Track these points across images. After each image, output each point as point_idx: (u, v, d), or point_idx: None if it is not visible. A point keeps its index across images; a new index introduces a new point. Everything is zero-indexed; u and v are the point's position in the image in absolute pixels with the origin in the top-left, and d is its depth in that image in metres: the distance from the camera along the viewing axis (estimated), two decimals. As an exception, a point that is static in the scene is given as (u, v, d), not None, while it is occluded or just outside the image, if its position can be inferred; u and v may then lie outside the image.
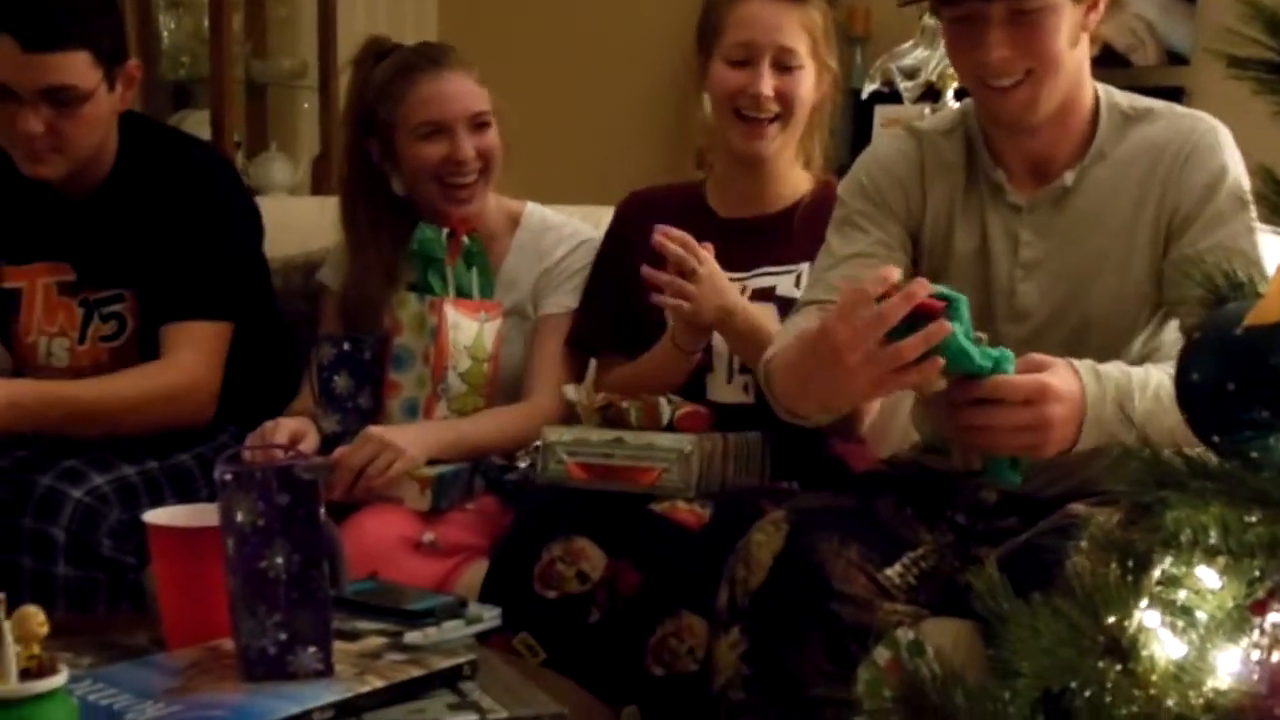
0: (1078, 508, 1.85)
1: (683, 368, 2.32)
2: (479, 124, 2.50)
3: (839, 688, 1.75)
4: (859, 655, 1.77)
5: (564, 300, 2.55)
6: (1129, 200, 1.99)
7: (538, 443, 2.23)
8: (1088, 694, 1.11)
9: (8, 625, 1.34)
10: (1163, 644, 1.12)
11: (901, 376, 1.69)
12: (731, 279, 2.35)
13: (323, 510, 1.56)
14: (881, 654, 1.76)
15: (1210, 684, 1.10)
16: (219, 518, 1.57)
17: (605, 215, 2.80)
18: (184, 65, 4.35)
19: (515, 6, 4.50)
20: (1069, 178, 2.01)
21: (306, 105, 4.48)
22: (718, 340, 2.33)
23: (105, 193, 2.48)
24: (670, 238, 2.22)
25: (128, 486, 2.32)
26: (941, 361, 1.67)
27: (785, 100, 2.34)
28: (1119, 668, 1.10)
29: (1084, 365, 1.78)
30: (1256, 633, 1.09)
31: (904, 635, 1.80)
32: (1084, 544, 1.60)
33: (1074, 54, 1.95)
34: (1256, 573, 1.11)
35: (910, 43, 3.22)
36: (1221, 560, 1.12)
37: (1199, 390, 1.18)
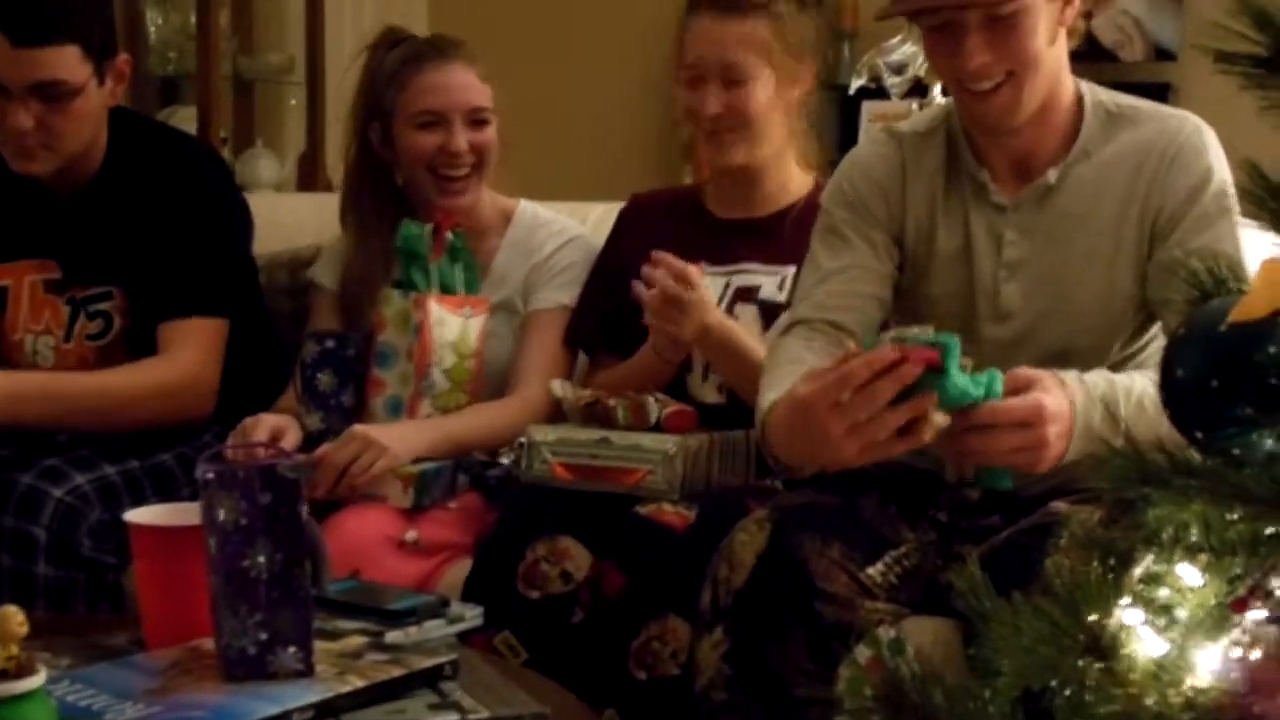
0: (1060, 506, 1.85)
1: (666, 373, 2.34)
2: (476, 119, 2.52)
3: (821, 687, 1.75)
4: (841, 654, 1.77)
5: (553, 296, 2.55)
6: (1113, 200, 1.99)
7: (521, 439, 2.23)
8: (1068, 692, 1.11)
9: (-14, 626, 1.33)
10: (1143, 642, 1.12)
11: (890, 446, 1.70)
12: (717, 273, 2.36)
13: (305, 509, 1.55)
14: (863, 653, 1.76)
15: (1190, 682, 1.10)
16: (200, 517, 1.56)
17: (594, 212, 2.81)
18: (171, 61, 4.34)
19: (504, 3, 4.50)
20: (1052, 176, 2.01)
21: (293, 101, 4.47)
22: None
23: (94, 189, 2.47)
24: (663, 265, 2.20)
25: (109, 486, 2.31)
26: (928, 437, 1.69)
27: (736, 114, 2.35)
28: (1099, 666, 1.10)
29: (1071, 377, 1.78)
30: (1237, 631, 1.09)
31: (885, 634, 1.80)
32: (1064, 542, 1.60)
33: (1052, 51, 1.94)
34: (1237, 570, 1.11)
35: (898, 38, 3.22)
36: (1203, 558, 1.12)
37: (1182, 387, 1.18)
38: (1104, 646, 1.11)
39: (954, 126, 2.09)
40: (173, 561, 1.66)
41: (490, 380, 2.49)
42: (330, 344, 2.41)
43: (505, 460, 2.33)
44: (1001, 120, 1.96)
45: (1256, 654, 1.08)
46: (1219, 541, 1.11)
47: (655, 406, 2.20)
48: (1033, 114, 1.96)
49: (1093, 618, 1.11)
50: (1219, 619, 1.11)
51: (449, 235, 2.44)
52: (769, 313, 2.33)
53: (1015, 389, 1.74)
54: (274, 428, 2.32)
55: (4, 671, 1.34)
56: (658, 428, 2.18)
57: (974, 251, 2.04)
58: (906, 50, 3.20)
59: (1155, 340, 2.02)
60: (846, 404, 1.66)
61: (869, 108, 3.87)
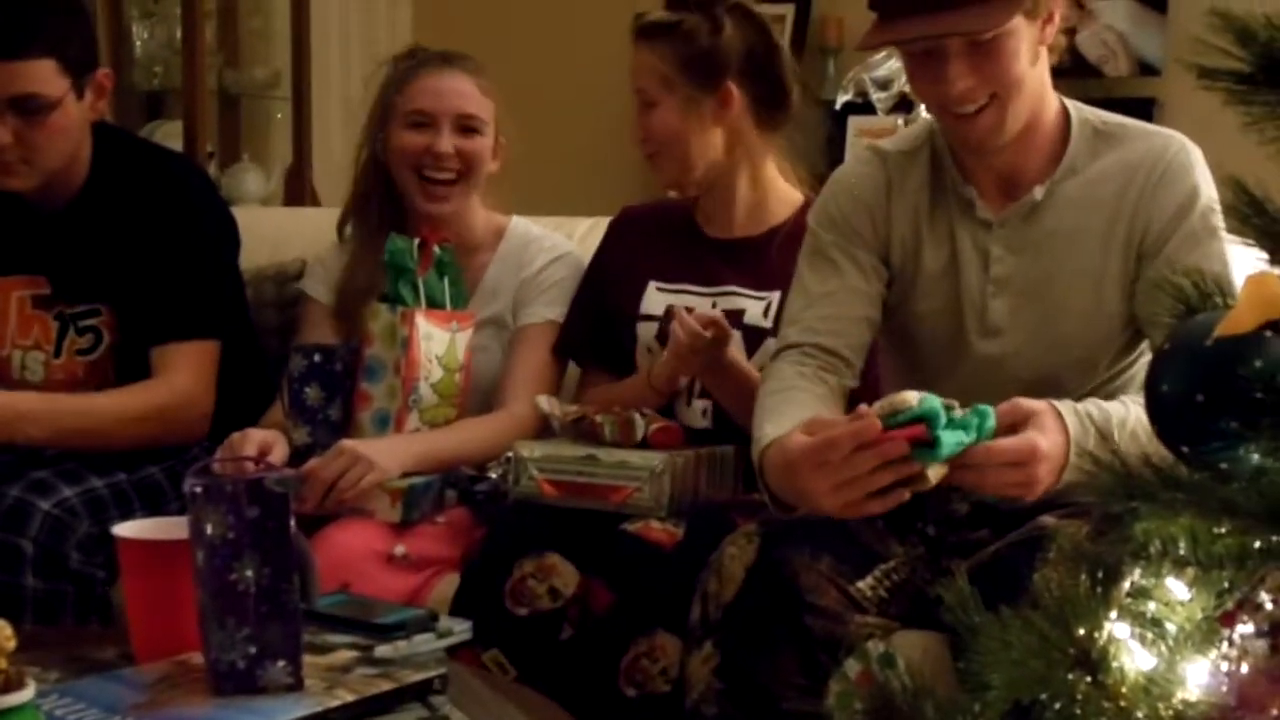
0: (1048, 520, 1.86)
1: (656, 404, 2.34)
2: (466, 126, 2.54)
3: (811, 701, 1.75)
4: (831, 668, 1.77)
5: (542, 311, 2.56)
6: (1100, 217, 1.99)
7: (509, 454, 2.23)
8: (1058, 706, 1.10)
9: (-26, 640, 1.33)
10: (1132, 656, 1.12)
11: (872, 505, 1.73)
12: (703, 294, 2.37)
13: (293, 523, 1.55)
14: (852, 666, 1.76)
15: (1180, 696, 1.10)
16: (188, 530, 1.56)
17: (582, 226, 2.82)
18: (157, 75, 4.34)
19: (490, 20, 4.50)
20: (1039, 193, 2.01)
21: (279, 116, 4.47)
22: None
23: (80, 205, 2.47)
24: (697, 324, 2.21)
25: (96, 499, 2.31)
26: (907, 497, 1.73)
27: (649, 139, 2.41)
28: (1089, 680, 1.10)
29: (1066, 408, 1.79)
30: (1225, 644, 1.09)
31: (875, 648, 1.80)
32: (1053, 556, 1.61)
33: (1035, 71, 1.95)
34: (1225, 584, 1.11)
35: (883, 54, 3.23)
36: (1191, 572, 1.12)
37: (1169, 401, 1.18)
38: (1093, 660, 1.11)
39: (938, 143, 2.09)
40: (161, 575, 1.65)
41: (478, 395, 2.49)
42: (317, 358, 2.41)
43: (493, 474, 2.33)
44: (986, 140, 1.97)
45: (1245, 668, 1.08)
46: (1207, 555, 1.11)
47: (642, 423, 2.20)
48: (1017, 132, 1.97)
49: (1082, 632, 1.12)
50: (1207, 633, 1.11)
51: (436, 250, 2.44)
52: (752, 338, 2.34)
53: (1013, 423, 1.76)
54: (262, 442, 2.31)
55: (-8, 686, 1.34)
56: (644, 444, 2.18)
57: (961, 268, 2.05)
58: (891, 66, 3.22)
59: (1144, 356, 2.03)
60: (828, 466, 1.70)
61: (855, 122, 3.89)
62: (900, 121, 3.29)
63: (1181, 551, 1.12)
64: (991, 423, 1.73)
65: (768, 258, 2.39)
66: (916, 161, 2.10)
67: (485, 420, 2.45)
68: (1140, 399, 1.76)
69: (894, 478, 1.69)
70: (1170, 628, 1.13)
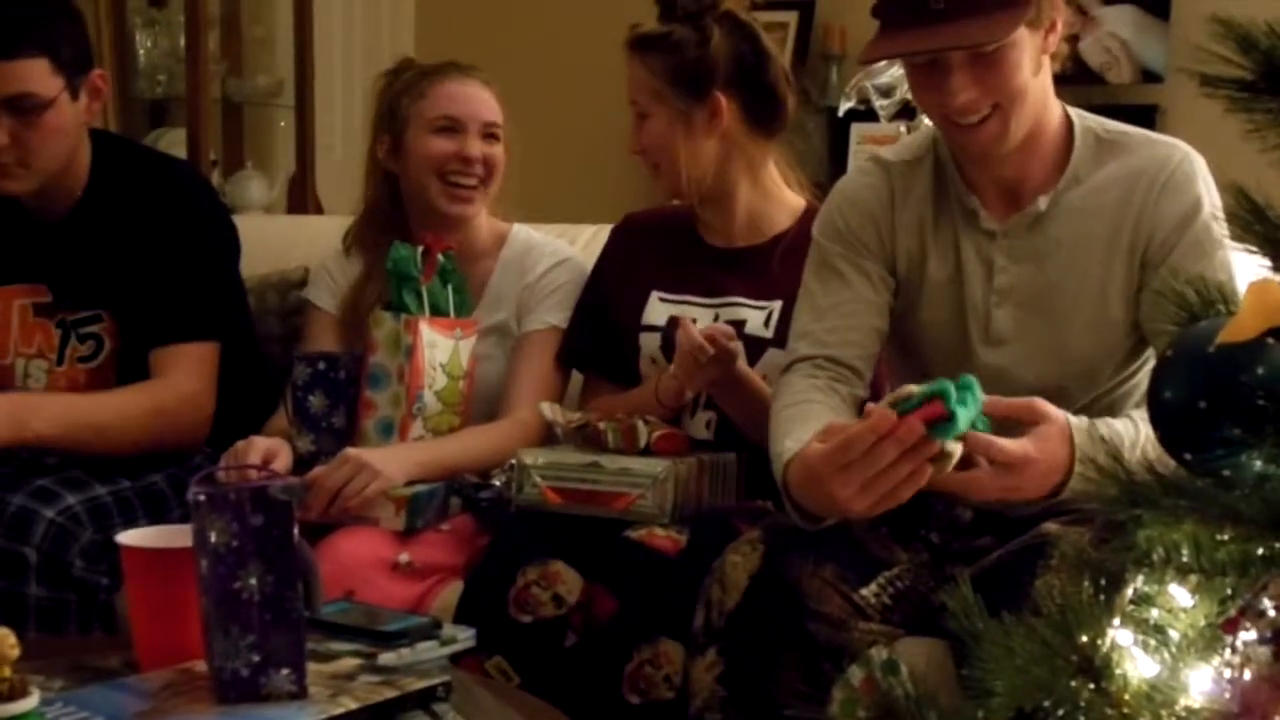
0: (1051, 526, 1.86)
1: (663, 415, 2.33)
2: (489, 134, 2.58)
3: (814, 708, 1.75)
4: (834, 675, 1.77)
5: (545, 317, 2.56)
6: (1104, 227, 1.99)
7: (512, 461, 2.23)
8: (1061, 713, 1.11)
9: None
10: (1135, 663, 1.12)
11: (900, 495, 1.72)
12: (706, 305, 2.37)
13: (297, 531, 1.55)
14: (856, 674, 1.75)
15: (1183, 702, 1.10)
16: (192, 538, 1.56)
17: (584, 234, 2.82)
18: (160, 84, 4.35)
19: (492, 28, 4.51)
20: (1043, 203, 2.01)
21: (283, 124, 4.48)
22: None
23: (80, 213, 2.47)
24: (699, 338, 2.19)
25: (100, 507, 2.31)
26: (933, 476, 1.71)
27: (645, 149, 2.42)
28: (1092, 686, 1.10)
29: (1078, 424, 1.80)
30: (1228, 651, 1.09)
31: (878, 654, 1.80)
32: (1056, 562, 1.61)
33: (1037, 80, 1.95)
34: (1228, 591, 1.11)
35: (886, 60, 3.23)
36: (1193, 578, 1.12)
37: (1171, 408, 1.18)
38: (1096, 667, 1.11)
39: (941, 152, 2.09)
40: (165, 583, 1.65)
41: (482, 402, 2.49)
42: (321, 365, 2.41)
43: (497, 482, 2.33)
44: (989, 150, 1.97)
45: (1248, 674, 1.08)
46: (1209, 562, 1.11)
47: (645, 430, 2.20)
48: (1020, 141, 1.97)
49: (1085, 638, 1.12)
50: (1210, 639, 1.11)
51: (440, 257, 2.44)
52: (754, 348, 2.33)
53: (1021, 420, 1.77)
54: (266, 450, 2.31)
55: (-3, 694, 1.34)
56: (647, 451, 2.18)
57: (965, 278, 2.05)
58: (894, 73, 3.22)
59: (1147, 365, 2.03)
60: (850, 467, 1.69)
61: (858, 129, 3.90)
62: (903, 128, 3.29)
63: (1184, 558, 1.12)
64: (979, 392, 1.73)
65: (770, 267, 2.39)
66: (919, 171, 2.10)
67: (489, 428, 2.45)
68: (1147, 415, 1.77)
69: (916, 463, 1.68)
70: (1173, 634, 1.13)
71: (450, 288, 2.45)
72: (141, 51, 4.33)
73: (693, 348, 2.17)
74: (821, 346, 2.05)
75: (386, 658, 1.64)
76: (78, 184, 2.47)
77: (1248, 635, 1.09)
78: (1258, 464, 1.11)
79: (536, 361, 2.53)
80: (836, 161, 4.00)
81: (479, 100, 2.58)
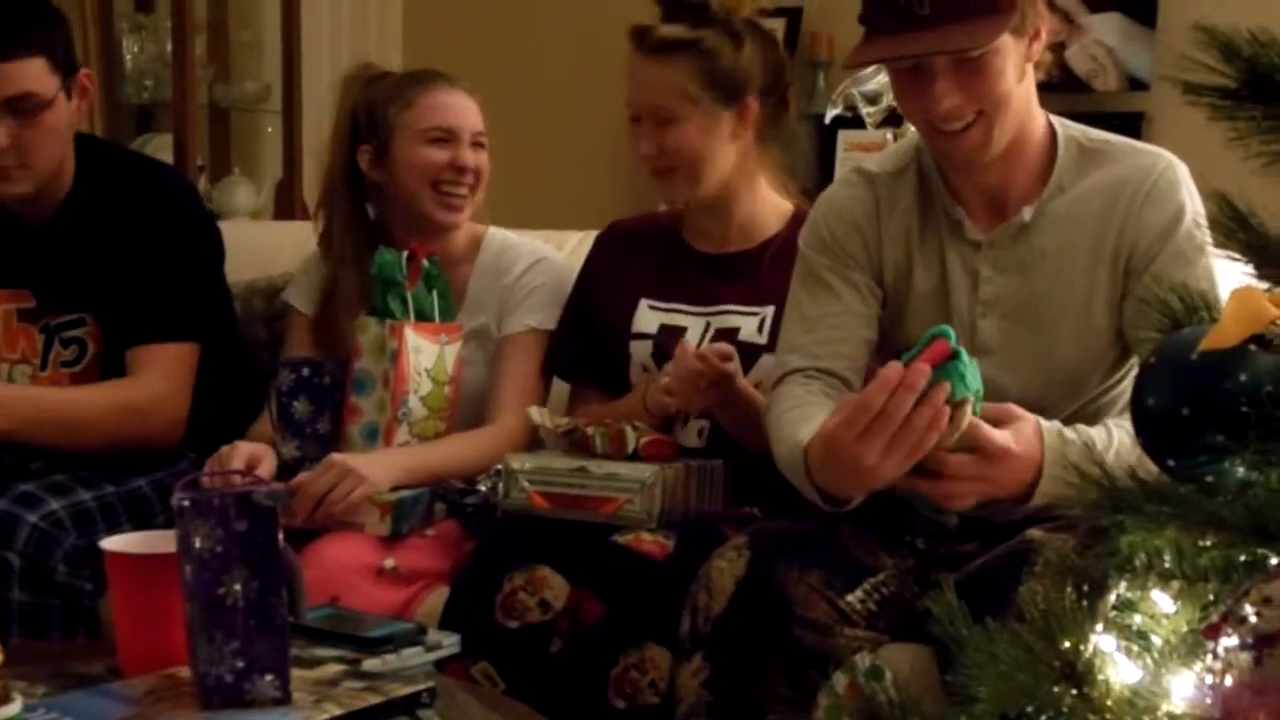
0: (1035, 533, 1.86)
1: (652, 424, 2.31)
2: (477, 142, 2.58)
3: (799, 714, 1.75)
4: (819, 681, 1.77)
5: (524, 319, 2.56)
6: (1088, 236, 2.00)
7: (498, 466, 2.23)
8: (1044, 718, 1.11)
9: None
10: (1118, 668, 1.13)
11: (921, 449, 1.73)
12: (697, 314, 2.37)
13: (281, 536, 1.55)
14: (841, 680, 1.76)
15: (1165, 708, 1.11)
16: (176, 544, 1.56)
17: (567, 240, 2.82)
18: (147, 89, 4.35)
19: (480, 33, 4.51)
20: (1027, 213, 2.01)
21: (270, 129, 4.48)
22: None
23: (63, 217, 2.47)
24: (696, 364, 2.18)
25: (84, 512, 2.31)
26: (955, 420, 1.73)
27: (668, 154, 2.36)
28: (1075, 692, 1.11)
29: (1049, 426, 1.82)
30: (1210, 657, 1.09)
31: (862, 661, 1.81)
32: (1039, 569, 1.61)
33: (1021, 88, 1.95)
34: (1210, 597, 1.12)
35: (872, 68, 3.23)
36: (1176, 584, 1.13)
37: (1154, 415, 1.19)
38: (1079, 673, 1.11)
39: (925, 162, 2.10)
40: (149, 589, 1.65)
41: (465, 405, 2.49)
42: (305, 371, 2.41)
43: (483, 487, 2.33)
44: (972, 157, 1.97)
45: (1229, 680, 1.08)
46: (1192, 568, 1.12)
47: (633, 435, 2.20)
48: (1004, 149, 1.97)
49: (1068, 644, 1.12)
50: (1192, 645, 1.12)
51: (424, 262, 2.44)
52: (748, 355, 2.33)
53: (997, 422, 1.78)
54: (250, 455, 2.31)
55: (-21, 700, 1.34)
56: (635, 456, 2.18)
57: (950, 288, 2.05)
58: (881, 80, 3.21)
59: (1132, 373, 2.03)
60: (871, 429, 1.69)
61: (845, 136, 3.90)
62: (889, 136, 3.29)
63: (1167, 564, 1.12)
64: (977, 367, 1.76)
65: (760, 272, 2.39)
66: (904, 182, 2.10)
67: (474, 434, 2.45)
68: (1124, 422, 1.78)
69: (935, 408, 1.69)
70: (1155, 640, 1.13)
71: (435, 293, 2.44)
72: (128, 56, 4.32)
73: (691, 374, 2.16)
74: (813, 359, 2.05)
75: (371, 664, 1.63)
76: (62, 188, 2.47)
77: (1230, 641, 1.09)
78: (1240, 470, 1.11)
79: (518, 365, 2.53)
80: (823, 168, 4.00)
81: (469, 110, 2.58)
